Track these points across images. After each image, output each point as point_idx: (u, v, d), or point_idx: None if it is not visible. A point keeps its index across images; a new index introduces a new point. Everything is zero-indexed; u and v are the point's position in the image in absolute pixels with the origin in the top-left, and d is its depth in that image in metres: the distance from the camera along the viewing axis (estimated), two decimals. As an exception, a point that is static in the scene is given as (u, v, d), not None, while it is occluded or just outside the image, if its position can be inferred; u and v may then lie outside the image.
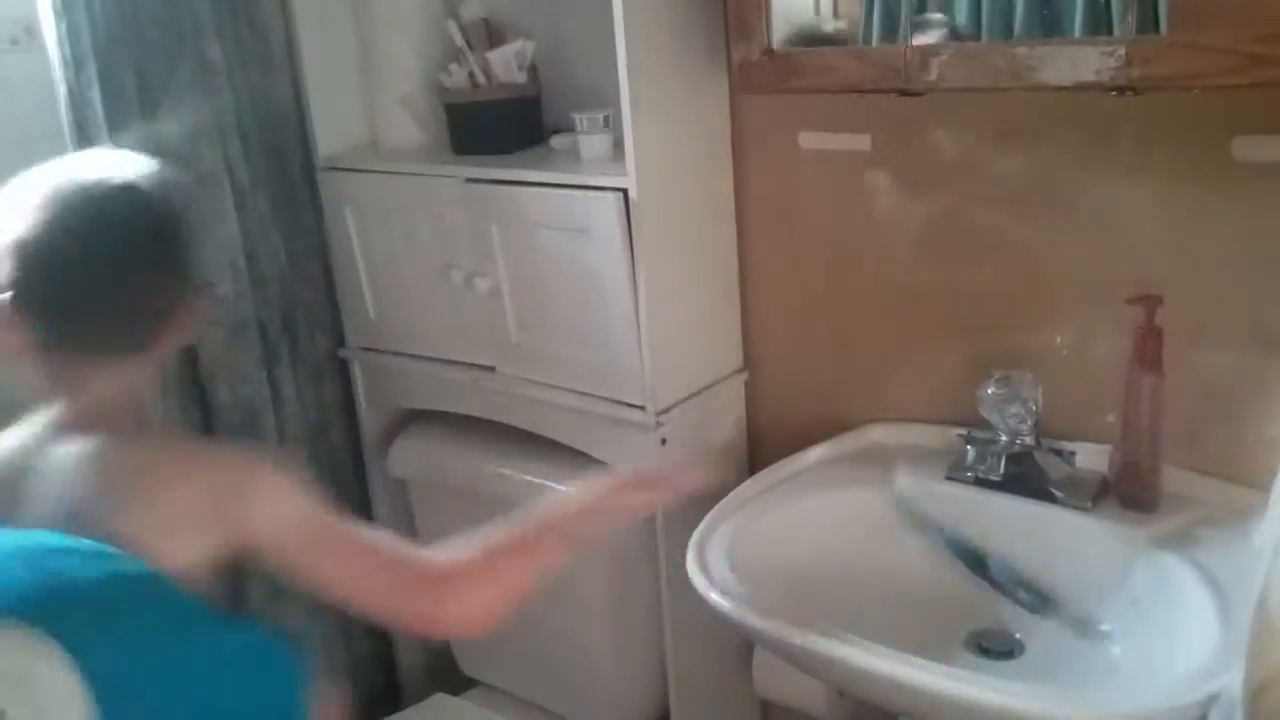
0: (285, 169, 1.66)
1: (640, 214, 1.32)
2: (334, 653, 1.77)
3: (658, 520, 1.43)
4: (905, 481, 1.29)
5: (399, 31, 1.61)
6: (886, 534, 1.27)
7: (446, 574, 0.98)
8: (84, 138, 1.50)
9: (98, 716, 0.82)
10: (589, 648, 1.57)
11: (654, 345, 1.37)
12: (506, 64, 1.52)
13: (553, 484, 1.49)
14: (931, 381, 1.37)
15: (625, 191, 1.32)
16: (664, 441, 1.40)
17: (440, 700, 1.67)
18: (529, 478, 1.52)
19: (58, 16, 1.45)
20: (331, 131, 1.66)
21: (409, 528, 1.77)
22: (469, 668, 1.76)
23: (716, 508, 1.28)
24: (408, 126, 1.65)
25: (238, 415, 1.63)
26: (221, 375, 1.61)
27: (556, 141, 1.53)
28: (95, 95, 1.48)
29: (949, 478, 1.27)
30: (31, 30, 1.86)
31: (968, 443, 1.27)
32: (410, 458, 1.68)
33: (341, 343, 1.75)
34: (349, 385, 1.77)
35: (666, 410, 1.40)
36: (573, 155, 1.46)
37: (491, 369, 1.55)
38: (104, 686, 0.83)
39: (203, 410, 1.62)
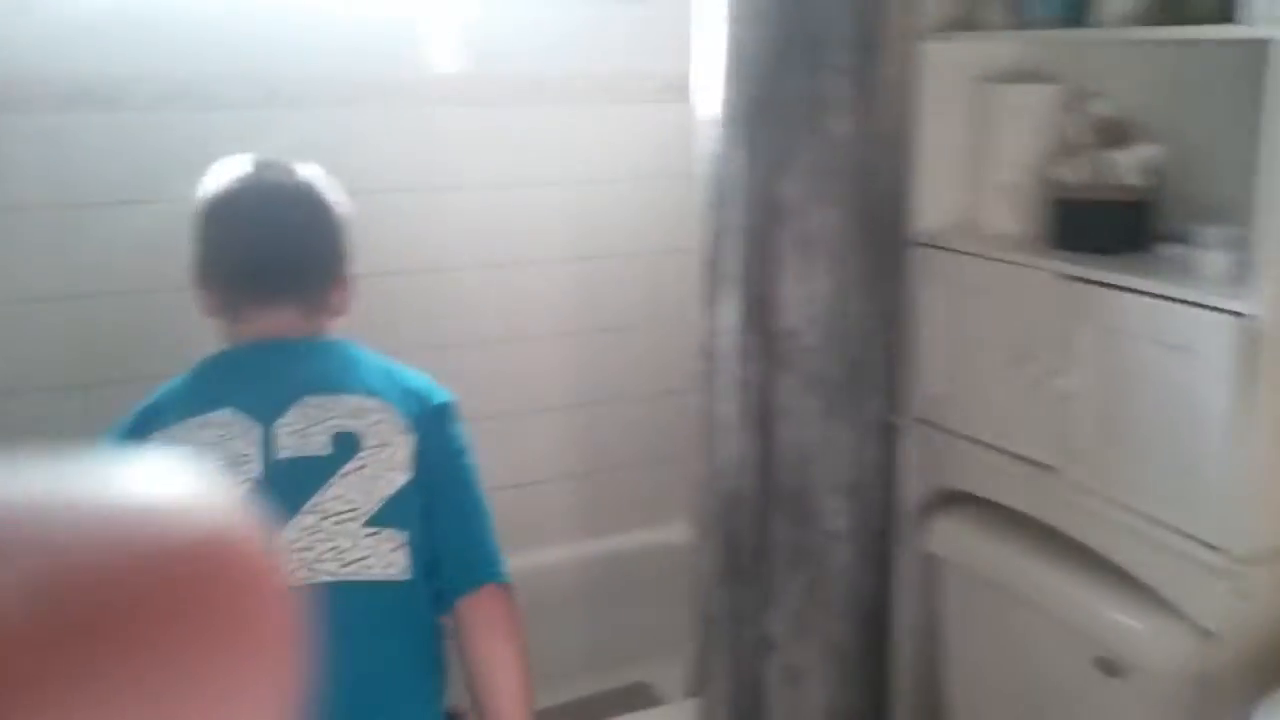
0: (882, 238, 1.75)
1: (1267, 343, 1.22)
2: (833, 699, 1.83)
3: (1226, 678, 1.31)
4: None
5: (1020, 122, 1.63)
6: None
7: None
8: (720, 188, 1.70)
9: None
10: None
11: (1251, 486, 1.26)
12: (1129, 166, 1.48)
13: (1101, 608, 1.42)
14: None
15: (1245, 316, 1.23)
16: (1243, 597, 1.28)
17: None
18: (1076, 593, 1.46)
19: (725, 80, 1.65)
20: (932, 209, 1.72)
21: (928, 605, 1.78)
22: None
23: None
24: (1007, 214, 1.66)
25: (793, 455, 1.76)
26: (787, 417, 1.74)
27: (1165, 250, 1.46)
28: (736, 153, 1.67)
29: None
30: (679, 86, 2.13)
31: None
32: (951, 536, 1.69)
33: (894, 408, 1.80)
34: (894, 451, 1.82)
35: (1252, 561, 1.28)
36: (1183, 267, 1.38)
37: (1051, 469, 1.51)
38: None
39: (764, 442, 1.76)
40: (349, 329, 1.36)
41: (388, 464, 1.16)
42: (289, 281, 1.24)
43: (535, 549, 2.40)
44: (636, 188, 2.26)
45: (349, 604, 1.11)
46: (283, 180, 1.27)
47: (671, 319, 2.11)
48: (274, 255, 1.24)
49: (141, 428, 1.19)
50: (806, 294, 1.71)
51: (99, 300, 1.85)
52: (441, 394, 1.28)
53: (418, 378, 1.28)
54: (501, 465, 2.33)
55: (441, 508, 1.20)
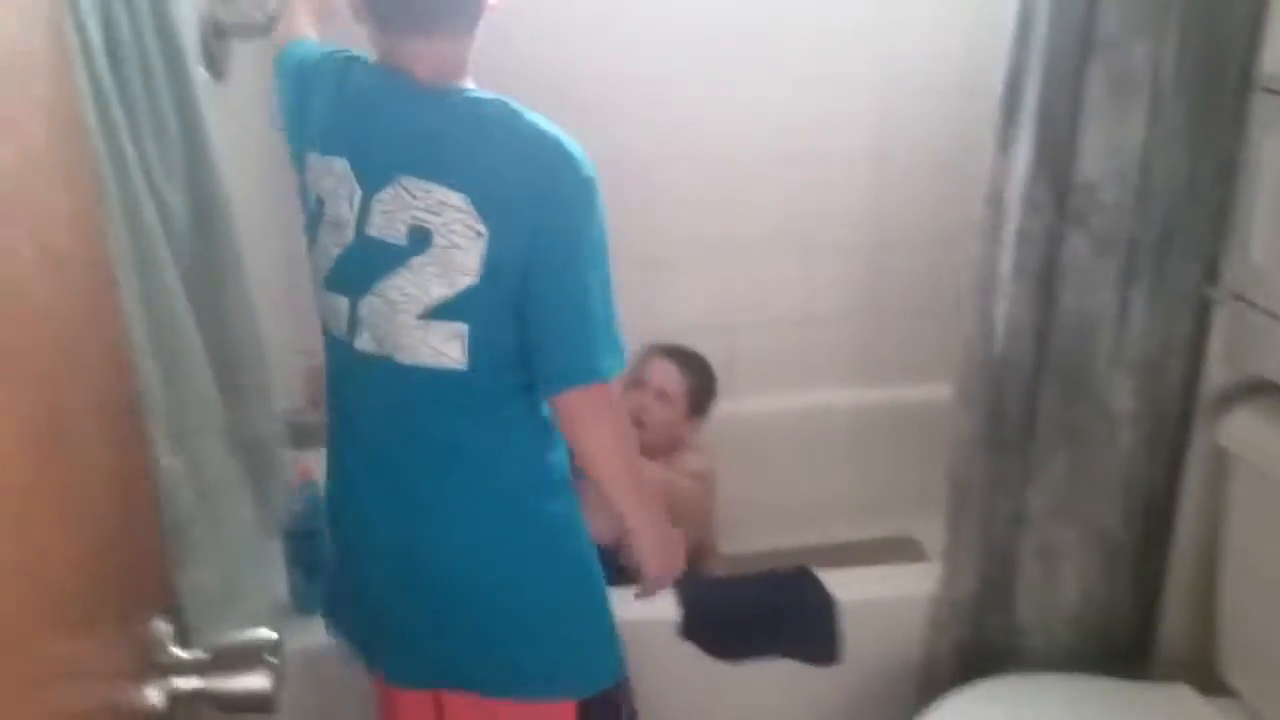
0: (1216, 80, 1.49)
1: None
2: (1091, 588, 1.70)
3: None
4: None
5: None
6: None
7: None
8: (1026, 17, 1.51)
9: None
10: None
11: None
12: None
13: None
14: None
15: None
16: None
17: (1181, 691, 1.52)
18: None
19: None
20: (1287, 47, 1.44)
21: (1215, 503, 1.59)
22: (1230, 673, 1.56)
23: None
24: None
25: (1075, 323, 1.59)
26: (1074, 279, 1.57)
27: None
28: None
29: None
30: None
31: None
32: (1248, 431, 1.48)
33: (1212, 281, 1.57)
34: (1204, 328, 1.59)
35: None
36: None
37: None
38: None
39: (1045, 305, 1.61)
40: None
41: (452, 265, 1.16)
42: (445, 11, 1.18)
43: (814, 388, 2.39)
44: (942, 16, 2.08)
45: (408, 381, 1.21)
46: None
47: (970, 161, 1.94)
48: None
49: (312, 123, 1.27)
50: (1113, 143, 1.51)
51: None
52: (560, 180, 1.18)
53: (543, 156, 1.18)
54: (787, 299, 2.32)
55: (534, 305, 1.19)
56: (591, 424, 1.24)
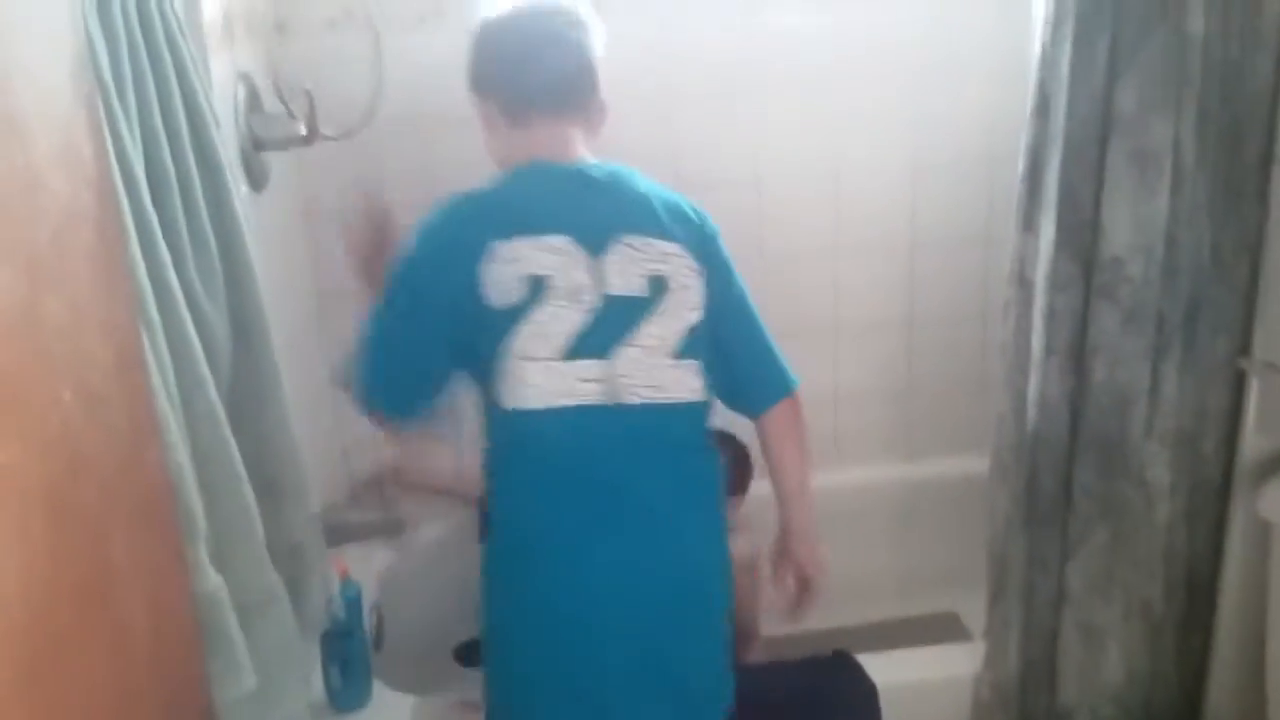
0: (1238, 154, 1.50)
1: None
2: (1135, 664, 1.67)
3: None
4: None
5: None
6: None
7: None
8: (1045, 93, 1.53)
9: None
10: None
11: None
12: None
13: None
14: None
15: None
16: None
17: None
18: None
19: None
20: (1308, 120, 1.45)
21: (1258, 573, 1.56)
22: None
23: None
24: None
25: (1108, 397, 1.58)
26: (1105, 354, 1.57)
27: None
28: (1064, 55, 1.49)
29: None
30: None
31: None
32: (1286, 502, 1.46)
33: (1245, 351, 1.56)
34: (1241, 399, 1.58)
35: None
36: None
37: None
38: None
39: (1076, 381, 1.60)
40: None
41: (686, 304, 1.29)
42: (573, 95, 1.34)
43: (851, 466, 2.37)
44: (969, 99, 2.10)
45: (656, 421, 1.28)
46: (556, 6, 1.37)
47: (998, 237, 1.95)
48: (559, 69, 1.34)
49: (466, 231, 1.27)
50: (1137, 218, 1.51)
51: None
52: (709, 220, 1.36)
53: (686, 206, 1.35)
54: (822, 378, 2.32)
55: (730, 334, 1.33)
56: (798, 430, 1.39)
